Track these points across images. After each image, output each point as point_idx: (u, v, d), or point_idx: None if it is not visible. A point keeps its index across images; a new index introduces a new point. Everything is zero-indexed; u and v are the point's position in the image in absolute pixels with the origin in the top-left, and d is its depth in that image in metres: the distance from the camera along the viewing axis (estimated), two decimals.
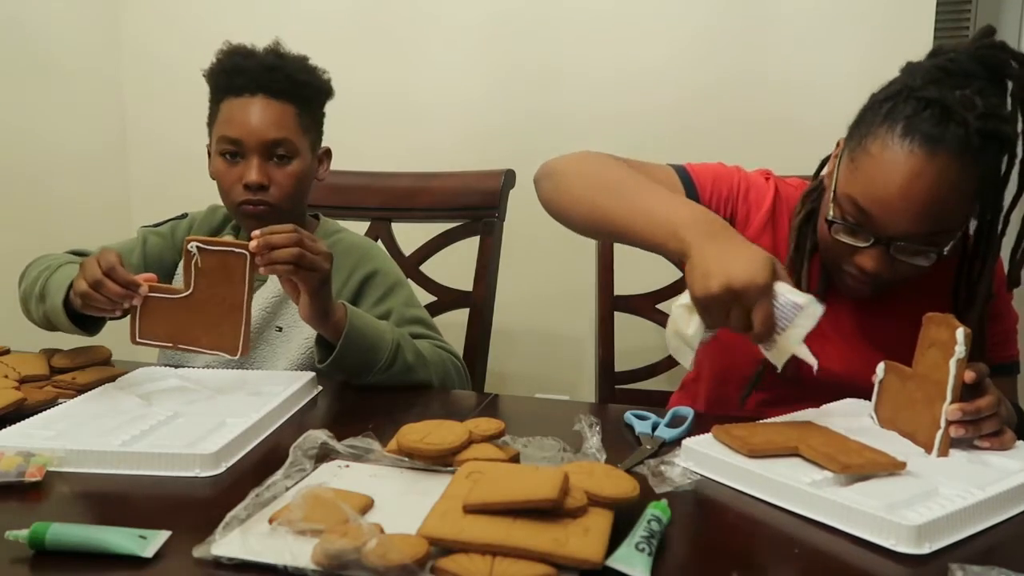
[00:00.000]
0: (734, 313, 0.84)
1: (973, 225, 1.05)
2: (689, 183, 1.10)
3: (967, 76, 0.94)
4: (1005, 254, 1.06)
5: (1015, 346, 1.14)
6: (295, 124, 1.25)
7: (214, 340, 1.04)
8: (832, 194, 1.00)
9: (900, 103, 0.95)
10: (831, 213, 1.00)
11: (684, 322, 0.89)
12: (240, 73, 1.24)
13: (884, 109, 0.96)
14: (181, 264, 1.05)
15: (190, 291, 1.02)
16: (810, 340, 1.08)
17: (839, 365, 1.08)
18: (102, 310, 1.03)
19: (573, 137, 1.94)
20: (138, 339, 1.03)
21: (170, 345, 1.04)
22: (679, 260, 0.90)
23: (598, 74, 1.98)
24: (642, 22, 1.96)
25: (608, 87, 1.98)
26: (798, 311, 0.84)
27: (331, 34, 1.94)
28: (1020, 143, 0.97)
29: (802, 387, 1.03)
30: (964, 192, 0.94)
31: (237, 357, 1.04)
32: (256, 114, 1.22)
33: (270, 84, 1.23)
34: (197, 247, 1.01)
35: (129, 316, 1.03)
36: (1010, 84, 0.96)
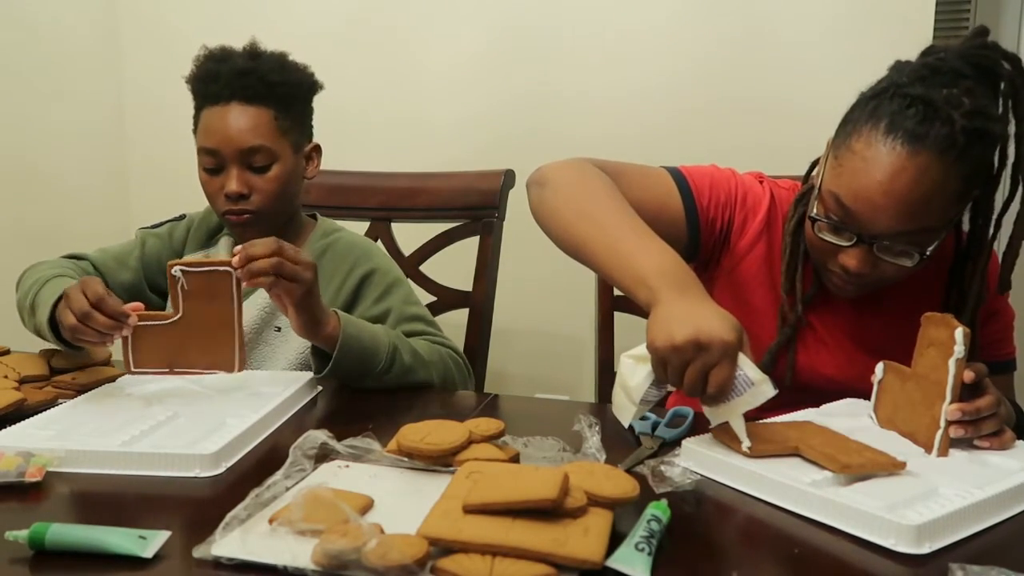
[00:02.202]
0: (691, 369, 0.79)
1: (967, 226, 1.05)
2: (685, 187, 1.08)
3: (956, 75, 0.93)
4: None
5: (1012, 344, 1.14)
6: (272, 128, 1.23)
7: (209, 360, 1.04)
8: (817, 191, 1.00)
9: (886, 100, 0.94)
10: (814, 210, 0.99)
11: (630, 372, 0.85)
12: (215, 79, 1.23)
13: (870, 107, 0.95)
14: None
15: (179, 315, 1.01)
16: (806, 346, 1.08)
17: (834, 369, 1.08)
18: (92, 343, 1.03)
19: (571, 154, 1.95)
20: (133, 369, 1.03)
21: (167, 370, 1.04)
22: (645, 309, 0.85)
23: (597, 94, 1.99)
24: (642, 43, 1.96)
25: (608, 107, 1.98)
26: (749, 386, 0.80)
27: (334, 54, 1.93)
28: (1012, 145, 0.96)
29: (799, 393, 1.03)
30: (948, 191, 0.92)
31: (234, 373, 1.05)
32: (231, 123, 1.21)
33: (243, 89, 1.22)
34: (181, 271, 1.00)
35: (122, 346, 1.02)
36: (1002, 85, 0.95)
